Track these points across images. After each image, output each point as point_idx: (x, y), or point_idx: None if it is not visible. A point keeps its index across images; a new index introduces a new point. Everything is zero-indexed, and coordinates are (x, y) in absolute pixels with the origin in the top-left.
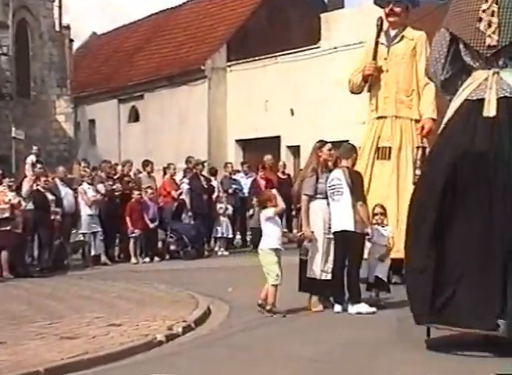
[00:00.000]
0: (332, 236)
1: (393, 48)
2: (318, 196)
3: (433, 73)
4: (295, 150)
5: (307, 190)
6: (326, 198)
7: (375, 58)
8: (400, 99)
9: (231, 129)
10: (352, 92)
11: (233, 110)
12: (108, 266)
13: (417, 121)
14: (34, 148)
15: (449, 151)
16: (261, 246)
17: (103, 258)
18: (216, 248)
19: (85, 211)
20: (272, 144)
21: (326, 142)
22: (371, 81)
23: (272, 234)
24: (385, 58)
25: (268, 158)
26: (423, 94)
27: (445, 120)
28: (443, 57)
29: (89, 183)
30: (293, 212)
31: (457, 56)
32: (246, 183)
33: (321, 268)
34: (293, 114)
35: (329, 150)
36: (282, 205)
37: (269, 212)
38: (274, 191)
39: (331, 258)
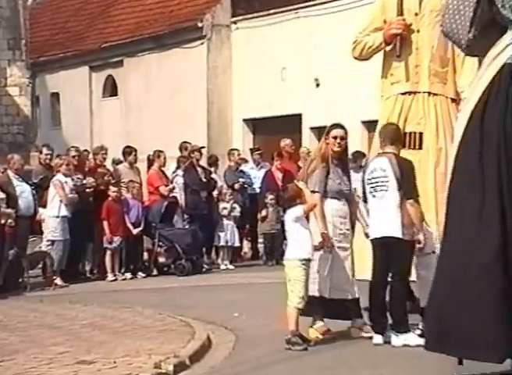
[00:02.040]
0: (344, 245)
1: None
2: (328, 195)
3: (455, 29)
4: (321, 132)
5: (316, 186)
6: (337, 198)
7: (401, 13)
8: (435, 70)
9: (237, 105)
10: (358, 57)
11: (240, 80)
12: (76, 284)
13: (453, 101)
14: None
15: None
16: (288, 255)
17: (70, 274)
18: (218, 261)
19: (59, 211)
20: (290, 124)
21: (339, 125)
22: (399, 43)
23: (302, 240)
24: (417, 14)
25: (286, 143)
26: (463, 65)
27: (478, 91)
28: (472, 8)
29: (65, 175)
30: None
31: (488, 7)
32: (257, 175)
33: (330, 284)
34: (318, 85)
35: (335, 137)
36: (312, 199)
37: (298, 210)
38: (301, 183)
39: (344, 273)
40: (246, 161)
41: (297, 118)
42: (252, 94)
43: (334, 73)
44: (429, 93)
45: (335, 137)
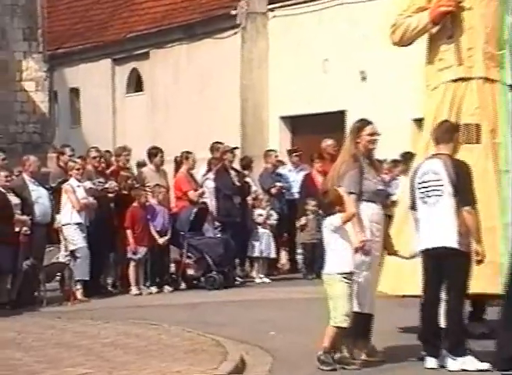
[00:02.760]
0: (378, 254)
1: None
2: (364, 197)
3: None
4: None
5: (351, 187)
6: (374, 201)
7: None
8: (490, 53)
9: (274, 101)
10: (398, 43)
11: (277, 74)
12: (97, 299)
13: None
14: None
15: None
16: (326, 269)
17: (91, 288)
18: (253, 273)
19: (71, 218)
20: (333, 122)
21: (368, 121)
22: (450, 23)
23: (341, 251)
24: None
25: (327, 143)
26: None
27: None
28: None
29: (78, 180)
30: None
31: None
32: (295, 179)
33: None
34: (364, 79)
35: (372, 134)
36: (351, 208)
37: (336, 219)
38: (342, 188)
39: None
40: (283, 163)
41: (341, 115)
42: (290, 89)
43: (382, 64)
44: (485, 78)
45: (371, 134)
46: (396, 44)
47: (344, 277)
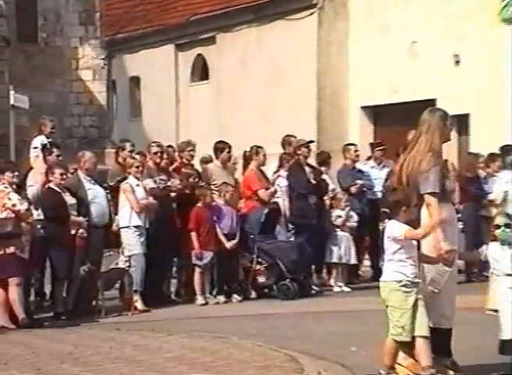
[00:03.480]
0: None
1: None
2: (443, 198)
3: None
4: (460, 121)
5: (434, 186)
6: (448, 202)
7: None
8: None
9: (354, 89)
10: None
11: (358, 58)
12: (159, 308)
13: None
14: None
15: None
16: (384, 276)
17: (152, 296)
18: (331, 282)
19: (130, 220)
20: (421, 112)
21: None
22: None
23: (403, 259)
24: None
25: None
26: None
27: None
28: None
29: (137, 178)
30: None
31: None
32: (378, 176)
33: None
34: (457, 63)
35: (452, 125)
36: (436, 215)
37: (398, 230)
38: (430, 198)
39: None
40: (367, 158)
41: (430, 104)
42: (373, 75)
43: (478, 46)
44: None
45: (451, 125)
46: (504, 22)
47: (402, 286)
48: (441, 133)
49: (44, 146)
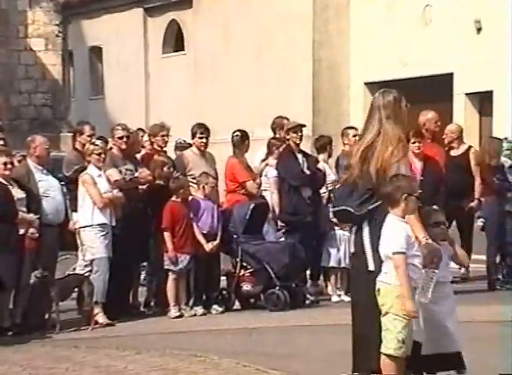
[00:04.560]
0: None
1: None
2: None
3: None
4: (482, 99)
5: None
6: None
7: None
8: None
9: (357, 62)
10: None
11: (361, 25)
12: (125, 322)
13: None
14: None
15: None
16: (387, 278)
17: (117, 308)
18: (329, 290)
19: (92, 218)
20: (436, 89)
21: None
22: None
23: (413, 257)
24: None
25: (427, 117)
26: None
27: None
28: None
29: (99, 168)
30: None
31: None
32: None
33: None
34: (479, 30)
35: None
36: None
37: (402, 230)
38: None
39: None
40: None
41: (447, 79)
42: (379, 45)
43: (504, 11)
44: None
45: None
46: None
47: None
48: (400, 119)
49: None
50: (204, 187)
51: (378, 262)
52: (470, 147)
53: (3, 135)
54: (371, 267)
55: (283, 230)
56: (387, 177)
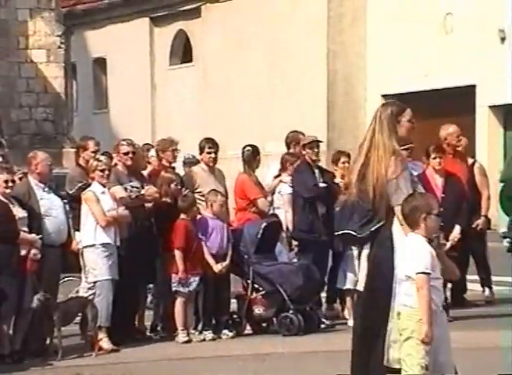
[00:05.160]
0: None
1: None
2: None
3: None
4: (506, 112)
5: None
6: None
7: None
8: None
9: (374, 74)
10: None
11: (379, 34)
12: (131, 348)
13: None
14: None
15: None
16: (409, 301)
17: (122, 333)
18: (345, 313)
19: (95, 237)
20: (458, 101)
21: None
22: None
23: (434, 280)
24: None
25: (449, 131)
26: None
27: None
28: None
29: (103, 184)
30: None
31: None
32: None
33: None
34: (503, 40)
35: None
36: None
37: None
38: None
39: None
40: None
41: (469, 91)
42: (397, 56)
43: None
44: None
45: (410, 122)
46: None
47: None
48: (395, 132)
49: None
50: (212, 205)
51: (374, 284)
52: (474, 161)
53: (3, 151)
54: (361, 288)
55: (297, 250)
56: (384, 195)
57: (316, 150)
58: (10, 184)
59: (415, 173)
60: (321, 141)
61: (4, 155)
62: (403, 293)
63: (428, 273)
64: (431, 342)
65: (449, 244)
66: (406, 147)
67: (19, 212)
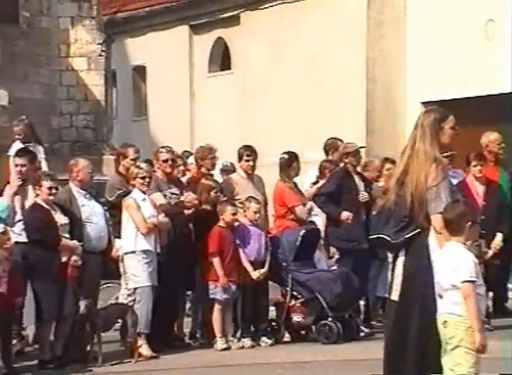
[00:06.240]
0: None
1: None
2: None
3: None
4: None
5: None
6: None
7: None
8: None
9: (414, 81)
10: None
11: (418, 42)
12: (170, 355)
13: None
14: (22, 122)
15: None
16: (457, 310)
17: (161, 339)
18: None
19: (135, 244)
20: (498, 109)
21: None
22: None
23: (479, 287)
24: None
25: (491, 138)
26: None
27: None
28: None
29: (143, 192)
30: None
31: None
32: None
33: None
34: None
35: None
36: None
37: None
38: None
39: None
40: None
41: (509, 100)
42: (437, 63)
43: None
44: None
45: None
46: None
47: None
48: (437, 139)
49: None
50: (251, 213)
51: (408, 293)
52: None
53: (45, 159)
54: (395, 297)
55: (336, 258)
56: (423, 203)
57: (358, 157)
58: (53, 191)
59: (455, 181)
60: (364, 147)
61: (37, 168)
62: (450, 302)
63: (474, 281)
64: (485, 350)
65: (491, 252)
66: (447, 154)
67: (60, 219)
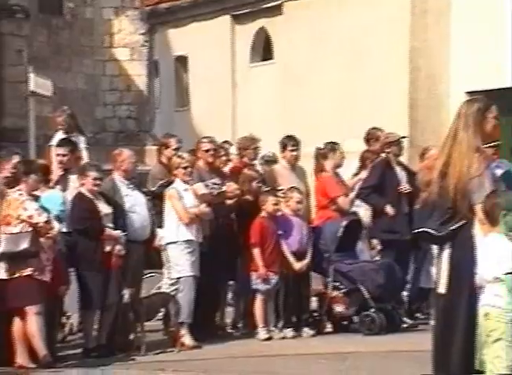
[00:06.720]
0: None
1: None
2: None
3: None
4: None
5: None
6: None
7: None
8: None
9: (458, 71)
10: None
11: (463, 31)
12: (213, 344)
13: None
14: (64, 112)
15: None
16: (498, 302)
17: (204, 329)
18: (429, 312)
19: (177, 234)
20: None
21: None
22: None
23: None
24: None
25: None
26: None
27: None
28: None
29: (186, 182)
30: None
31: None
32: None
33: None
34: None
35: None
36: None
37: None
38: None
39: None
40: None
41: None
42: (483, 52)
43: None
44: None
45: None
46: None
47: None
48: (481, 129)
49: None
50: (293, 203)
51: (456, 285)
52: None
53: (83, 148)
54: (442, 290)
55: (378, 249)
56: (466, 194)
57: (400, 146)
58: (98, 182)
59: (500, 172)
60: (406, 137)
61: (79, 157)
62: (492, 294)
63: None
64: None
65: None
66: (492, 144)
67: (104, 209)
